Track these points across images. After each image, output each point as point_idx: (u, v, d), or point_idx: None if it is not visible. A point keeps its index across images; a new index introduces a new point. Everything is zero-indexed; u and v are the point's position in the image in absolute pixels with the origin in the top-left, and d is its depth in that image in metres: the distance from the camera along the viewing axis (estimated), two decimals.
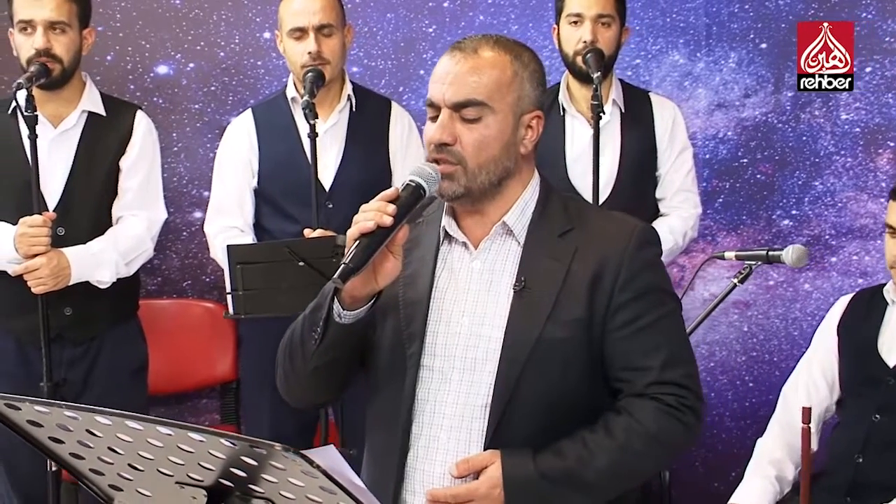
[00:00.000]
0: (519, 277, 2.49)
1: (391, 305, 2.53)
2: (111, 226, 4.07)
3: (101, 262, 3.98)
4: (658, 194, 4.30)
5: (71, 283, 3.92)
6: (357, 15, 4.89)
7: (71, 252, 3.93)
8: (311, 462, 1.81)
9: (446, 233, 2.56)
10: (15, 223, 3.88)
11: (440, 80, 2.49)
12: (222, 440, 1.86)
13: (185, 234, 4.98)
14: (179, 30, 4.88)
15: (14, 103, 3.93)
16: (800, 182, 5.03)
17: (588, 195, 4.06)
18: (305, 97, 3.85)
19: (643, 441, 2.45)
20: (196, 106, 4.91)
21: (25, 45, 3.94)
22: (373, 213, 2.36)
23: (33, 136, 3.77)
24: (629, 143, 4.24)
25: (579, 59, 4.11)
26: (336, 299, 2.43)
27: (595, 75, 3.97)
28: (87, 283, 3.98)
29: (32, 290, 3.86)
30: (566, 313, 2.46)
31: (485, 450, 2.45)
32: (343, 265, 2.31)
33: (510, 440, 2.44)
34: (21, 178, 3.87)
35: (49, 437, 2.04)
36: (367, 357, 2.57)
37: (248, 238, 4.11)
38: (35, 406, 1.94)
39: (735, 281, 3.66)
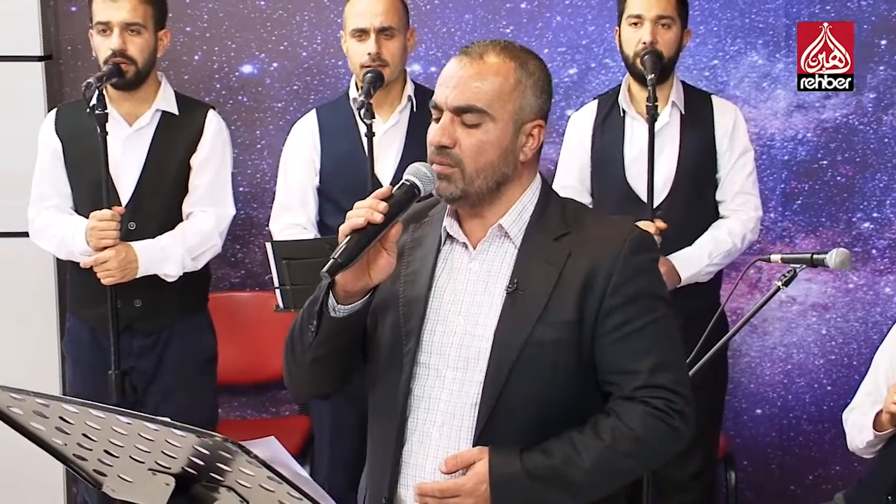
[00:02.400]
0: (512, 279, 2.54)
1: (392, 303, 2.60)
2: (181, 221, 4.22)
3: (167, 256, 4.12)
4: (718, 196, 4.30)
5: (138, 275, 4.07)
6: (436, 16, 4.98)
7: (139, 245, 4.08)
8: (248, 452, 1.90)
9: (448, 233, 2.63)
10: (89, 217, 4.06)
11: (444, 84, 2.55)
12: (173, 430, 1.96)
13: (267, 228, 5.09)
14: (264, 30, 5.02)
15: (92, 102, 4.10)
16: (881, 185, 4.98)
17: (645, 196, 4.10)
18: (361, 97, 3.94)
19: (629, 443, 2.49)
20: (279, 104, 5.04)
21: (103, 46, 4.11)
22: (364, 210, 2.44)
23: (103, 134, 3.93)
24: (688, 145, 4.25)
25: (638, 61, 4.13)
26: (332, 293, 2.51)
27: (649, 77, 4.00)
28: (157, 276, 4.14)
29: (102, 281, 4.02)
30: (557, 315, 2.50)
31: (473, 447, 2.51)
32: (331, 260, 2.40)
33: (499, 438, 2.50)
34: (98, 174, 4.03)
35: (31, 423, 2.16)
36: (368, 352, 2.65)
37: (311, 235, 4.22)
38: (10, 393, 2.07)
39: (779, 284, 3.65)
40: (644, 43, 4.12)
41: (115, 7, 4.08)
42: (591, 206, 4.35)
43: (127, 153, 4.17)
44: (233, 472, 2.02)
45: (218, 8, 5.00)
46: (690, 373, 3.57)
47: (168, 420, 1.96)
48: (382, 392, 2.62)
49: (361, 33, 4.14)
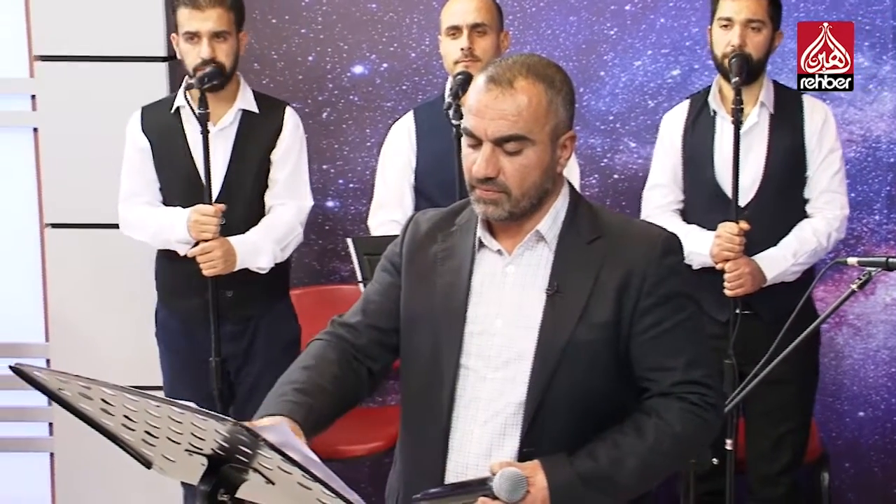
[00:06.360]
0: (552, 282, 2.66)
1: (429, 314, 2.74)
2: (263, 215, 4.43)
3: (259, 250, 4.35)
4: (806, 195, 4.33)
5: (235, 269, 4.29)
6: (541, 18, 5.07)
7: (234, 241, 4.30)
8: (257, 437, 2.04)
9: (481, 242, 2.74)
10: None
11: (480, 115, 2.62)
12: (196, 415, 2.11)
13: None
14: (375, 32, 5.17)
15: (176, 103, 4.39)
16: None
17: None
18: (449, 99, 4.06)
19: (671, 441, 2.61)
20: (388, 104, 5.19)
21: (191, 54, 4.32)
22: None
23: (205, 131, 4.17)
24: (776, 145, 4.28)
25: (726, 62, 4.18)
26: None
27: (734, 80, 4.06)
28: (245, 268, 4.35)
29: (204, 272, 4.24)
30: (595, 317, 2.63)
31: (520, 443, 2.63)
32: None
33: (543, 435, 2.63)
34: (184, 170, 4.36)
35: (80, 405, 2.32)
36: (404, 364, 2.80)
37: None
38: (57, 376, 2.24)
39: (853, 287, 3.65)
40: (732, 45, 4.17)
41: (203, 18, 4.27)
42: (682, 204, 4.41)
43: (212, 151, 4.33)
44: (255, 454, 2.16)
45: (331, 11, 5.17)
46: (767, 369, 3.65)
47: (191, 405, 2.10)
48: (421, 400, 2.75)
49: (455, 30, 4.29)
